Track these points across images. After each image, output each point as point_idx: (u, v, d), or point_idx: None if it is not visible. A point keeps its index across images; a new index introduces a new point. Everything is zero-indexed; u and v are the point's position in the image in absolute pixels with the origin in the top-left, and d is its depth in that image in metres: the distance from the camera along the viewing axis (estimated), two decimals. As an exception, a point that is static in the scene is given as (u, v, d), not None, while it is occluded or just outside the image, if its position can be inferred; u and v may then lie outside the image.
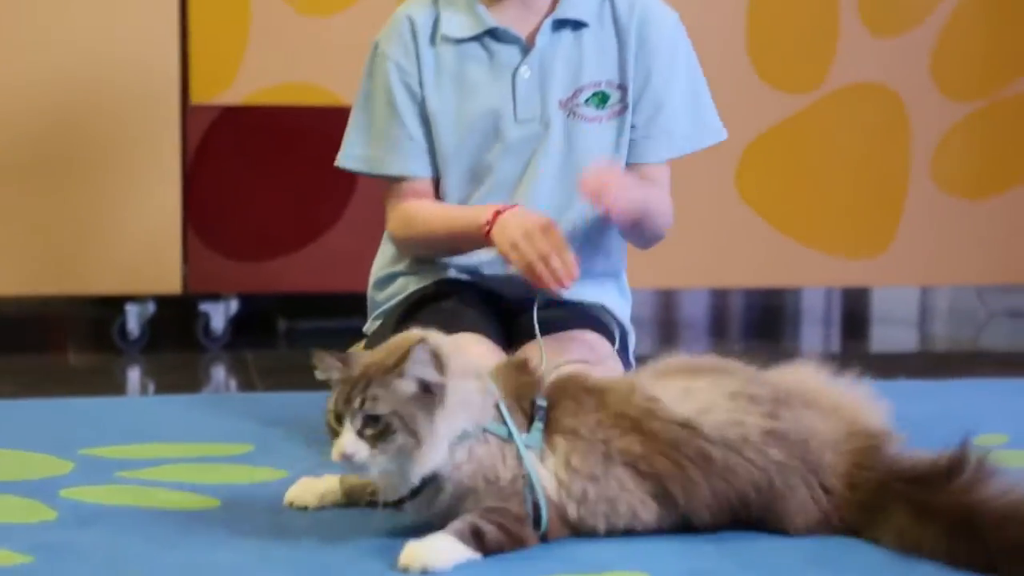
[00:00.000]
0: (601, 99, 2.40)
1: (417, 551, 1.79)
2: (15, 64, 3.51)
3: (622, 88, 2.40)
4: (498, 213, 2.25)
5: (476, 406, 1.88)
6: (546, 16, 2.40)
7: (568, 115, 2.40)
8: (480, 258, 2.41)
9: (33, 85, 3.52)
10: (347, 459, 1.81)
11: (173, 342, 3.82)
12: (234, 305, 3.80)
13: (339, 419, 1.83)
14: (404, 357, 1.82)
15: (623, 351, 2.45)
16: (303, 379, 3.15)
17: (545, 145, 2.39)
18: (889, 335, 4.42)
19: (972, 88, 3.95)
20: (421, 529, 1.85)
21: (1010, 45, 3.96)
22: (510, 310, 2.40)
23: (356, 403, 1.81)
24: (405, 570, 1.78)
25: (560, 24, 2.40)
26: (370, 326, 2.53)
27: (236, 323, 3.79)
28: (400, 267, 2.49)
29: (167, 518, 2.04)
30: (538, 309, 2.26)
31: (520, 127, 2.39)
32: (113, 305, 3.70)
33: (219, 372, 3.59)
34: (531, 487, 1.87)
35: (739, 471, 1.89)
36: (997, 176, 4.00)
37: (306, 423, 2.57)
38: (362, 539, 1.92)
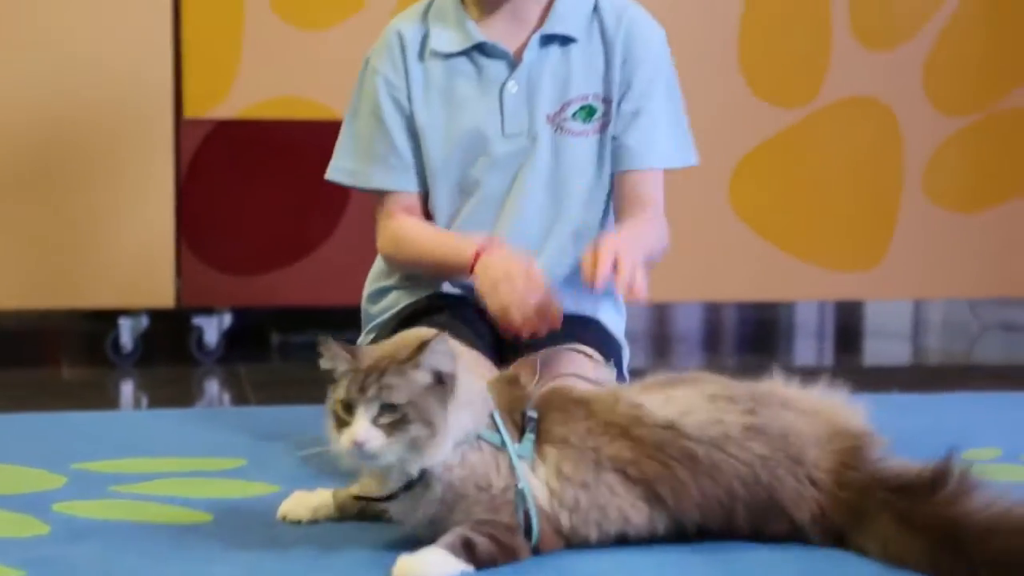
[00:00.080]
0: (588, 113, 2.41)
1: (409, 564, 1.79)
2: (9, 77, 3.51)
3: (606, 101, 2.41)
4: (483, 250, 2.25)
5: (479, 408, 1.89)
6: (535, 30, 2.40)
7: (556, 130, 2.40)
8: None
9: (27, 99, 3.52)
10: (358, 447, 1.81)
11: (166, 356, 3.81)
12: (227, 319, 3.80)
13: (348, 408, 1.83)
14: (421, 348, 1.83)
15: (617, 365, 2.45)
16: (296, 393, 3.16)
17: (532, 160, 2.39)
18: (882, 349, 4.43)
19: (964, 102, 3.96)
20: (413, 543, 1.85)
21: (1002, 59, 3.97)
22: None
23: (372, 391, 1.81)
24: (398, 583, 1.78)
25: (548, 39, 2.40)
26: (364, 340, 2.53)
27: (229, 337, 3.79)
28: (392, 281, 2.49)
29: (160, 533, 2.04)
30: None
31: (507, 142, 2.40)
32: (106, 319, 3.70)
33: (212, 386, 3.59)
34: (522, 497, 1.87)
35: (724, 467, 1.91)
36: (990, 190, 4.01)
37: (299, 437, 2.57)
38: (355, 553, 1.92)
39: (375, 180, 2.44)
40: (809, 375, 2.11)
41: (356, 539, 1.97)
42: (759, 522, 1.93)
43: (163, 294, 3.62)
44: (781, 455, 1.92)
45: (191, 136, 3.61)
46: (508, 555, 1.85)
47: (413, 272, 2.46)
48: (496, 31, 2.40)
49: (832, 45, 3.87)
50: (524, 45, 2.40)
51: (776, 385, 2.05)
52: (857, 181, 3.93)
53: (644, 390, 2.01)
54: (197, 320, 3.74)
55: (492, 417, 1.91)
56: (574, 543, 1.92)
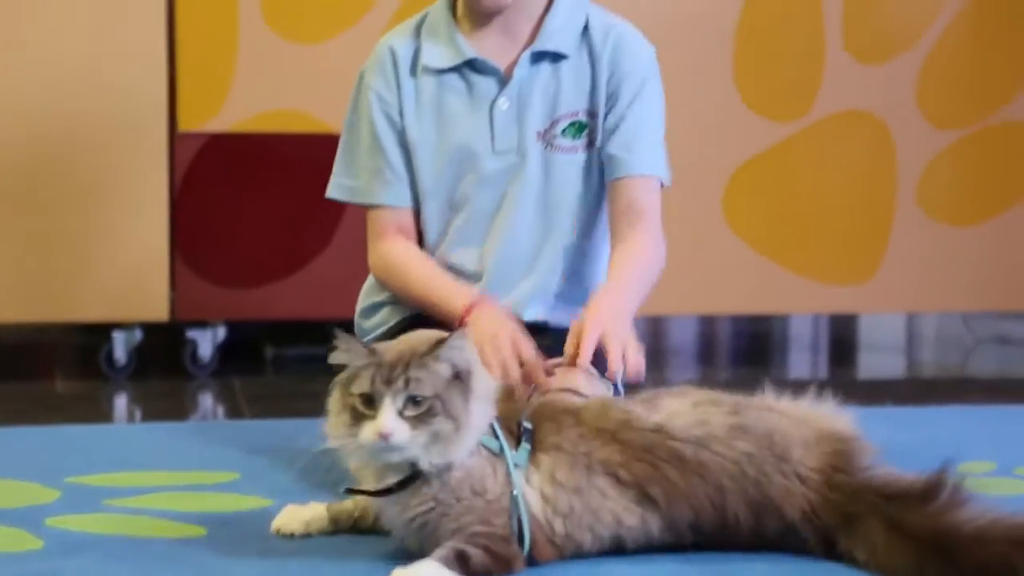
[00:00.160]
0: (578, 129, 2.41)
1: (403, 578, 1.79)
2: (3, 90, 3.51)
3: (593, 115, 2.40)
4: (474, 306, 2.24)
5: (491, 408, 1.91)
6: (526, 46, 2.40)
7: (545, 147, 2.40)
8: None
9: (21, 113, 3.52)
10: (384, 438, 1.81)
11: (160, 369, 3.81)
12: (221, 332, 3.80)
13: (370, 402, 1.83)
14: (441, 343, 1.84)
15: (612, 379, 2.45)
16: (290, 406, 3.16)
17: (522, 177, 2.39)
18: (876, 362, 4.43)
19: (958, 116, 3.97)
20: (407, 556, 1.85)
21: (995, 73, 3.98)
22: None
23: (399, 383, 1.82)
24: (392, 597, 1.78)
25: (539, 56, 2.40)
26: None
27: (223, 350, 3.79)
28: (385, 296, 2.49)
29: (153, 547, 2.03)
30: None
31: (497, 158, 2.40)
32: (100, 332, 3.70)
33: (206, 399, 3.59)
34: (517, 505, 1.88)
35: (711, 465, 1.93)
36: (983, 203, 4.02)
37: (293, 451, 2.57)
38: (349, 566, 1.92)
39: (371, 196, 2.44)
40: (803, 388, 2.11)
41: (350, 552, 1.97)
42: (752, 520, 1.94)
43: (157, 307, 3.62)
44: (767, 453, 1.95)
45: (185, 149, 3.61)
46: (502, 566, 1.85)
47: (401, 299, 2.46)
48: (487, 46, 2.40)
49: (826, 59, 3.88)
50: (515, 62, 2.40)
51: (764, 397, 2.08)
52: (851, 194, 3.94)
53: (631, 402, 2.03)
54: (191, 333, 3.73)
55: (491, 425, 1.92)
56: (568, 551, 1.92)
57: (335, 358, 1.88)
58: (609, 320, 2.14)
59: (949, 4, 3.93)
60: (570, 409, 2.00)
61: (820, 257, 3.94)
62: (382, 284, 2.48)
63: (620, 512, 1.92)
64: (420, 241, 2.45)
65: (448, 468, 1.86)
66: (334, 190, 2.49)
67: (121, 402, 3.54)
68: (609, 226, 2.41)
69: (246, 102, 3.61)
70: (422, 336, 1.93)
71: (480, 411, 1.88)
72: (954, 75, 3.95)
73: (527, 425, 1.95)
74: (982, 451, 2.60)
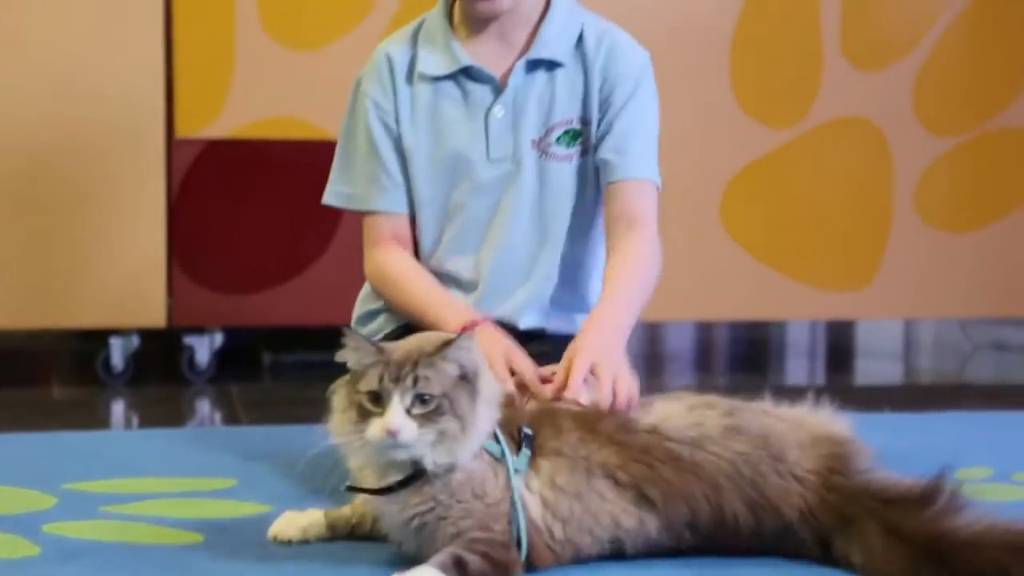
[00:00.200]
0: (572, 137, 2.40)
1: (401, 584, 1.79)
2: (1, 98, 3.51)
3: (587, 123, 2.40)
4: (470, 326, 2.23)
5: (495, 411, 1.91)
6: (521, 54, 2.40)
7: (540, 155, 2.40)
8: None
9: (19, 119, 3.52)
10: (391, 435, 1.81)
11: (157, 375, 3.81)
12: (219, 338, 3.79)
13: (377, 400, 1.83)
14: (449, 343, 1.85)
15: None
16: (288, 412, 3.16)
17: (517, 185, 2.39)
18: (874, 368, 4.43)
19: (954, 122, 3.97)
20: (404, 562, 1.85)
21: (991, 80, 3.99)
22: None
23: (407, 381, 1.83)
24: (389, 603, 1.78)
25: (534, 64, 2.40)
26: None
27: (221, 356, 3.79)
28: (381, 303, 2.49)
29: (150, 553, 2.03)
30: (522, 344, 2.26)
31: (492, 166, 2.40)
32: (97, 338, 3.70)
33: (203, 406, 3.58)
34: (515, 510, 1.88)
35: (706, 465, 1.95)
36: (980, 209, 4.02)
37: (290, 457, 2.57)
38: (346, 572, 1.92)
39: (369, 203, 2.44)
40: (800, 394, 2.12)
41: (347, 559, 1.97)
42: (750, 519, 1.95)
43: (154, 314, 3.62)
44: (762, 453, 1.96)
45: (183, 156, 3.61)
46: (500, 572, 1.86)
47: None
48: (483, 54, 2.40)
49: (823, 65, 3.88)
50: (510, 70, 2.40)
51: (760, 403, 2.09)
52: (848, 201, 3.94)
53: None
54: (188, 340, 3.73)
55: (494, 430, 1.92)
56: (567, 554, 1.93)
57: (343, 356, 1.89)
58: (600, 349, 2.13)
59: (946, 11, 3.94)
60: (569, 414, 2.00)
61: (818, 263, 3.94)
62: (377, 293, 2.48)
63: (618, 514, 1.93)
64: (416, 248, 2.45)
65: (451, 469, 1.86)
66: (331, 197, 2.49)
67: (118, 408, 3.53)
68: (604, 232, 2.40)
69: (243, 108, 3.61)
70: (430, 336, 1.94)
71: (486, 413, 1.89)
72: (951, 82, 3.96)
73: (527, 431, 1.95)
74: (979, 457, 2.60)
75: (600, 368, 2.09)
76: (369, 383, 1.84)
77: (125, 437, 3.14)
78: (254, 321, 3.73)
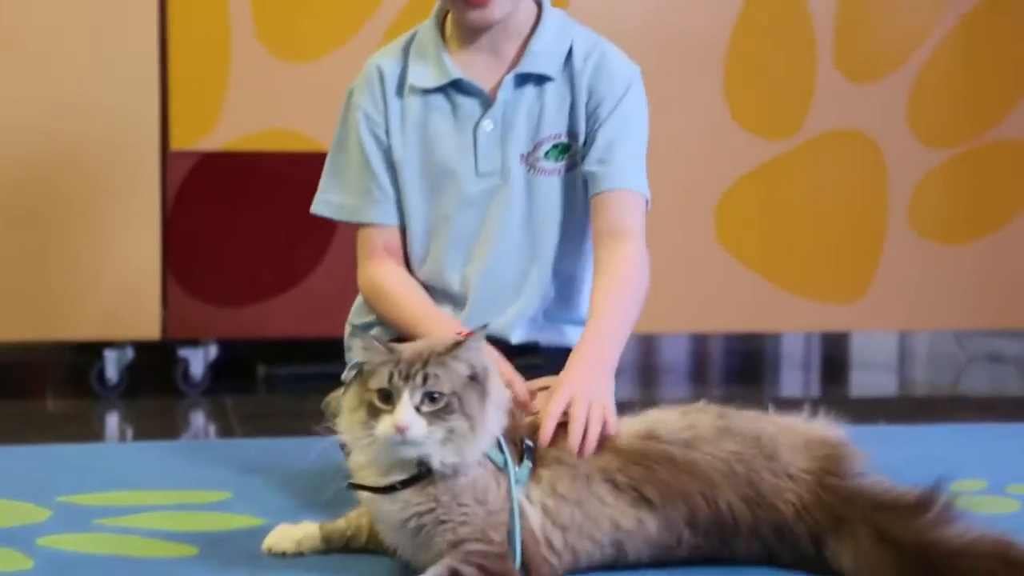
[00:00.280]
0: (561, 151, 2.40)
1: (396, 597, 1.79)
2: (-5, 110, 3.51)
3: (575, 136, 2.39)
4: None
5: (503, 415, 1.92)
6: (511, 68, 2.40)
7: (529, 169, 2.39)
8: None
9: (13, 132, 3.52)
10: (401, 432, 1.82)
11: (152, 388, 3.80)
12: (213, 351, 3.79)
13: (387, 398, 1.84)
14: (459, 343, 1.87)
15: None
16: (283, 425, 3.16)
17: (506, 199, 2.38)
18: (868, 380, 4.43)
19: (948, 135, 3.98)
20: (400, 574, 1.85)
21: (985, 92, 4.00)
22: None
23: (417, 379, 1.84)
24: (384, 616, 1.78)
25: (524, 78, 2.39)
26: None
27: (215, 369, 3.78)
28: (374, 316, 2.49)
29: (145, 566, 2.03)
30: (514, 357, 2.26)
31: (480, 180, 2.39)
32: (92, 351, 3.69)
33: (198, 418, 3.58)
34: (513, 520, 1.88)
35: (700, 464, 1.97)
36: (974, 221, 4.03)
37: (285, 469, 2.57)
38: (341, 586, 1.92)
39: (360, 214, 2.44)
40: (795, 406, 2.12)
41: (342, 571, 1.97)
42: (747, 514, 1.96)
43: (149, 326, 3.61)
44: (755, 452, 1.99)
45: (177, 168, 3.61)
46: (497, 583, 1.86)
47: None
48: (474, 66, 2.40)
49: (817, 78, 3.88)
50: (499, 83, 2.39)
51: (753, 411, 2.12)
52: (842, 213, 3.95)
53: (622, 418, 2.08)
54: (183, 352, 3.73)
55: (498, 439, 1.93)
56: (566, 562, 1.93)
57: (355, 356, 1.89)
58: (580, 387, 2.05)
59: (940, 23, 3.94)
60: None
61: (812, 275, 3.94)
62: (370, 305, 2.48)
63: (618, 517, 1.95)
64: (407, 260, 2.45)
65: (456, 470, 1.86)
66: (321, 206, 2.48)
67: (112, 421, 3.53)
68: (592, 243, 2.35)
69: (238, 121, 3.61)
70: (439, 337, 1.94)
71: (495, 415, 1.90)
72: (945, 94, 3.97)
73: (529, 443, 1.95)
74: (974, 469, 2.60)
75: (576, 407, 2.01)
76: (379, 381, 1.86)
77: (119, 450, 3.14)
78: (249, 333, 3.73)
